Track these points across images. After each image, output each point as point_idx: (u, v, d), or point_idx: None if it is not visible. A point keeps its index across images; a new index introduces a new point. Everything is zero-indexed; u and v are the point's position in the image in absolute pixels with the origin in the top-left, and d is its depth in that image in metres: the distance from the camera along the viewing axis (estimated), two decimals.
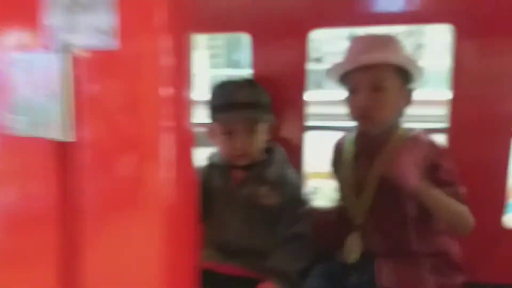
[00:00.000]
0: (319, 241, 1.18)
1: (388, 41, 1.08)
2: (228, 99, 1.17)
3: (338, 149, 1.24)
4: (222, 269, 1.16)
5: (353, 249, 1.11)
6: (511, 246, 1.22)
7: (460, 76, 1.22)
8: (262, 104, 1.20)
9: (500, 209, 1.24)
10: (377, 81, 1.04)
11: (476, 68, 1.22)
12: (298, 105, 1.36)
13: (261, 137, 1.20)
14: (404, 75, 1.07)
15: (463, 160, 1.07)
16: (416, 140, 1.08)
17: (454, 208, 1.00)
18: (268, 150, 1.25)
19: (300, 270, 1.11)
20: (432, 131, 1.25)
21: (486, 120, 1.23)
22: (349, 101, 1.10)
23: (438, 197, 0.99)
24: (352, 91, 1.09)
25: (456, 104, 1.24)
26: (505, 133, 1.21)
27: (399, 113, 1.11)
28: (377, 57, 1.04)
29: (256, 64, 1.38)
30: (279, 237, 1.16)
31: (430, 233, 1.08)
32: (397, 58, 1.06)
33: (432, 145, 1.06)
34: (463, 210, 1.00)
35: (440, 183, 1.01)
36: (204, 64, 8.04)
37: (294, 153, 1.30)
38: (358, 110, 1.07)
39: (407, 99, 1.10)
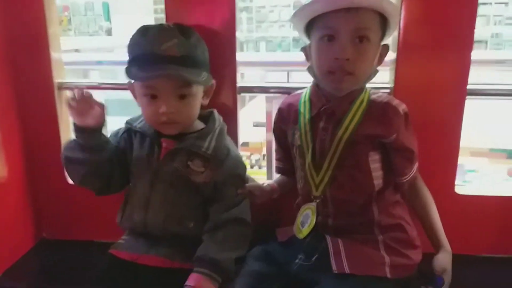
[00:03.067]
0: (261, 221, 1.03)
1: None
2: (150, 49, 0.91)
3: (287, 111, 1.06)
4: (145, 260, 0.96)
5: (306, 222, 0.97)
6: (464, 214, 1.15)
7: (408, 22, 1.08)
8: (197, 60, 0.96)
9: (452, 174, 1.16)
10: (363, 30, 0.86)
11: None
12: (231, 65, 1.16)
13: (194, 102, 0.97)
14: (384, 27, 0.90)
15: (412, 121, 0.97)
16: (380, 104, 0.94)
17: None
18: (204, 118, 1.04)
19: (233, 259, 0.94)
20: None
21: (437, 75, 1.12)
22: (320, 50, 0.90)
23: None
24: (327, 39, 0.88)
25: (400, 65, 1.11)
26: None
27: (372, 73, 0.94)
28: None
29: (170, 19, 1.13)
30: (213, 222, 0.97)
31: (390, 204, 0.98)
32: (389, 4, 0.87)
33: (396, 110, 0.92)
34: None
35: (402, 152, 0.96)
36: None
37: (227, 121, 1.10)
38: (334, 63, 0.87)
39: (380, 58, 0.94)
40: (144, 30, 0.94)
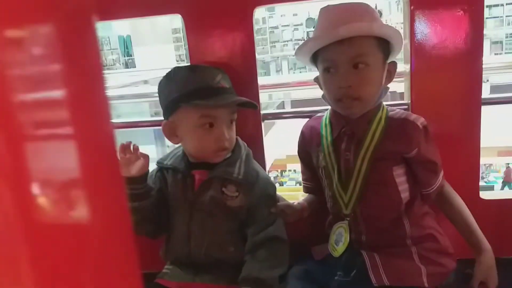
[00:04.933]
0: (295, 239, 1.07)
1: (362, 9, 0.94)
2: (206, 83, 0.99)
3: (309, 134, 1.11)
4: (192, 287, 1.01)
5: (340, 241, 1.01)
6: (489, 218, 1.18)
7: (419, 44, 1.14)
8: (234, 92, 1.05)
9: (475, 181, 1.19)
10: (358, 57, 0.91)
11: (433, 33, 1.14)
12: (253, 91, 1.21)
13: (235, 128, 1.06)
14: (385, 48, 0.95)
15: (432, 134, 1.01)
16: (399, 120, 0.98)
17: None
18: None
19: (277, 277, 0.98)
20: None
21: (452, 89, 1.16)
22: (326, 81, 0.97)
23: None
24: (329, 70, 0.95)
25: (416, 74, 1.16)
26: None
27: (383, 90, 0.99)
28: (358, 27, 0.89)
29: (192, 51, 1.21)
30: (252, 242, 1.02)
31: (419, 216, 1.01)
32: (381, 28, 0.92)
33: (415, 124, 0.96)
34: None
35: (425, 165, 0.99)
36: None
37: (253, 146, 1.15)
38: (338, 92, 0.94)
39: (389, 76, 0.98)
40: (191, 68, 1.05)
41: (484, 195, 1.20)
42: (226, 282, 1.00)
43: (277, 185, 3.08)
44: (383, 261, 0.95)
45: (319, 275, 1.01)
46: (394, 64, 0.98)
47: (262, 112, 1.24)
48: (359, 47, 0.90)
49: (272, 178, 1.18)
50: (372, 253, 0.97)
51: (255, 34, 1.21)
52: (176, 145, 1.11)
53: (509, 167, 4.47)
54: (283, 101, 4.51)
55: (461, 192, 1.09)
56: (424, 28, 1.12)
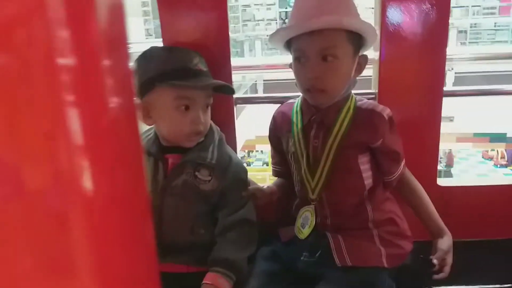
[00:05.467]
0: (264, 222, 1.11)
1: (340, 1, 0.95)
2: (184, 64, 0.98)
3: (280, 120, 1.14)
4: (162, 268, 1.02)
5: (306, 224, 1.05)
6: (446, 203, 1.26)
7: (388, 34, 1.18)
8: (211, 76, 1.05)
9: (433, 168, 1.27)
10: (327, 49, 0.93)
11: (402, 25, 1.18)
12: (226, 73, 1.21)
13: (209, 112, 1.06)
14: (357, 41, 0.97)
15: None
16: (366, 111, 1.02)
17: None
18: None
19: (245, 258, 1.02)
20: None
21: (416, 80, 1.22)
22: (296, 70, 0.99)
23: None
24: (299, 60, 0.97)
25: (383, 65, 1.20)
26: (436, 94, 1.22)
27: (352, 82, 1.02)
28: (328, 21, 0.91)
29: (164, 28, 1.19)
30: (222, 225, 1.05)
31: (381, 201, 1.07)
32: (351, 22, 0.93)
33: (381, 115, 1.00)
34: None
35: (388, 154, 1.04)
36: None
37: (225, 130, 1.17)
38: (307, 82, 0.97)
39: (359, 68, 1.01)
40: (168, 49, 1.06)
41: (440, 181, 1.28)
42: (197, 263, 1.03)
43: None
44: (346, 243, 1.01)
45: (285, 256, 1.06)
46: (364, 57, 1.01)
47: (235, 96, 1.26)
48: (328, 39, 0.92)
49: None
50: (337, 235, 1.03)
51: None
52: (148, 127, 1.11)
53: (450, 152, 4.83)
54: (255, 82, 4.52)
55: (420, 178, 1.15)
56: (394, 18, 1.16)
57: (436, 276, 1.02)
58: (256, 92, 4.84)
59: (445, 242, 1.05)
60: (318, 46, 0.93)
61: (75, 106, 0.27)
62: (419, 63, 1.21)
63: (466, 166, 5.70)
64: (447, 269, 1.02)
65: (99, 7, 0.29)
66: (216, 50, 1.19)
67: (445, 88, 1.22)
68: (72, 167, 0.28)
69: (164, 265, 1.03)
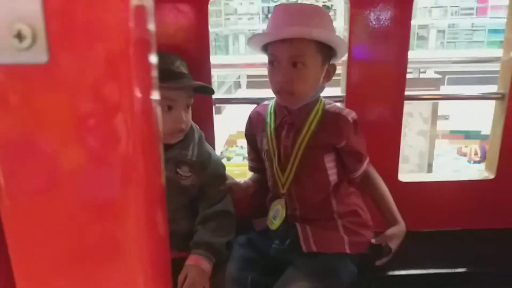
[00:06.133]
0: (240, 213, 1.21)
1: (313, 13, 1.02)
2: (167, 67, 1.07)
3: (256, 120, 1.23)
4: None
5: (277, 216, 1.15)
6: (406, 197, 1.38)
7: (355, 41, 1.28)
8: (192, 78, 1.14)
9: (395, 165, 1.39)
10: (296, 57, 1.01)
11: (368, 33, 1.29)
12: (204, 74, 1.29)
13: (190, 112, 1.15)
14: (326, 51, 1.04)
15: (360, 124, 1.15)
16: (333, 114, 1.11)
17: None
18: None
19: (224, 243, 1.12)
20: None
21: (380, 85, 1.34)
22: (269, 73, 1.08)
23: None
24: (272, 64, 1.06)
25: (351, 71, 1.31)
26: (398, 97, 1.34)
27: (320, 88, 1.11)
28: (298, 31, 0.99)
29: None
30: (202, 216, 1.15)
31: (345, 195, 1.17)
32: (320, 34, 1.01)
33: (346, 119, 1.09)
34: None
35: (351, 154, 1.13)
36: None
37: (204, 128, 1.26)
38: (277, 85, 1.06)
39: (328, 76, 1.09)
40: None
41: (402, 177, 1.40)
42: (178, 250, 1.11)
43: (224, 160, 3.23)
44: (313, 232, 1.12)
45: (259, 244, 1.16)
46: (333, 66, 1.10)
47: (214, 97, 1.35)
48: (298, 48, 1.01)
49: (219, 153, 1.28)
50: (305, 225, 1.13)
51: (209, 5, 1.28)
52: None
53: None
54: (239, 79, 4.58)
55: (383, 174, 1.25)
56: (361, 26, 1.27)
57: (377, 262, 1.14)
58: (240, 87, 4.93)
59: (393, 230, 1.16)
60: (289, 53, 1.02)
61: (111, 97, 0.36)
62: (383, 69, 1.32)
63: (442, 162, 5.93)
64: (387, 255, 1.14)
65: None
66: (196, 50, 1.27)
67: (406, 93, 1.33)
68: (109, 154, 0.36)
69: None
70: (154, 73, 0.41)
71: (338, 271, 1.08)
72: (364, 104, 1.31)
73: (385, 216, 1.19)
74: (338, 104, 1.21)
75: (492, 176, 1.42)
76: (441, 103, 2.66)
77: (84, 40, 0.34)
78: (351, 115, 1.11)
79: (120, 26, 0.33)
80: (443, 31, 8.17)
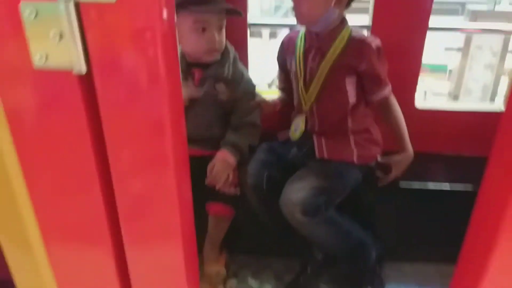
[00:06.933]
0: (266, 126, 1.40)
1: None
2: None
3: (287, 44, 1.36)
4: None
5: (297, 129, 1.33)
6: (420, 123, 1.50)
7: None
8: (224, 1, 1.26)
9: (412, 92, 1.50)
10: None
11: None
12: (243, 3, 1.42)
13: (224, 33, 1.29)
14: None
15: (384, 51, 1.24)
16: (357, 40, 1.20)
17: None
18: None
19: (247, 145, 1.32)
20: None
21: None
22: None
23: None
24: None
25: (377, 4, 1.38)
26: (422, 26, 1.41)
27: (333, 12, 1.18)
28: None
29: None
30: (233, 124, 1.35)
31: (361, 116, 1.30)
32: None
33: (369, 45, 1.18)
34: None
35: (371, 79, 1.23)
36: None
37: (239, 50, 1.40)
38: (293, 7, 1.19)
39: (339, 1, 1.17)
40: None
41: (418, 104, 1.51)
42: (212, 149, 1.34)
43: None
44: (327, 143, 1.29)
45: (279, 150, 1.36)
46: None
47: (249, 22, 1.49)
48: None
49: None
50: (321, 137, 1.30)
51: None
52: None
53: None
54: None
55: (401, 99, 1.32)
56: None
57: (380, 176, 1.30)
58: None
59: (400, 157, 1.28)
60: None
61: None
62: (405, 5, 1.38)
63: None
64: (390, 177, 1.29)
65: None
66: None
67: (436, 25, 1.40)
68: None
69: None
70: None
71: (344, 175, 1.26)
72: (388, 33, 1.40)
73: (398, 142, 1.30)
74: (365, 32, 1.31)
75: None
76: None
77: None
78: (376, 42, 1.20)
79: None
80: None
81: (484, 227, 0.64)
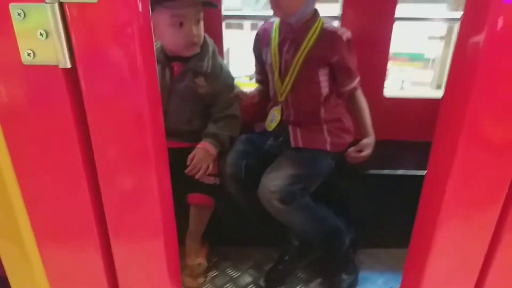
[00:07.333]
0: (245, 117, 1.44)
1: None
2: None
3: (262, 35, 1.40)
4: (167, 144, 1.38)
5: (274, 119, 1.38)
6: (388, 111, 1.59)
7: None
8: None
9: (382, 81, 1.57)
10: None
11: None
12: None
13: (202, 26, 1.32)
14: None
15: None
16: (329, 32, 1.26)
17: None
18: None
19: (228, 136, 1.36)
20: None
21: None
22: None
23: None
24: None
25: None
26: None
27: (307, 6, 1.23)
28: None
29: None
30: (214, 117, 1.38)
31: (333, 106, 1.37)
32: None
33: (340, 37, 1.24)
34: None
35: (343, 70, 1.30)
36: None
37: (214, 43, 1.41)
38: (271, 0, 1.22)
39: None
40: None
41: (386, 93, 1.59)
42: (192, 142, 1.37)
43: None
44: (302, 132, 1.35)
45: (257, 141, 1.41)
46: None
47: (223, 13, 1.53)
48: None
49: None
50: (296, 127, 1.36)
51: None
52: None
53: None
54: None
55: (369, 89, 1.41)
56: None
57: (351, 163, 1.35)
58: None
59: (365, 141, 1.34)
60: None
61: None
62: None
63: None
64: (362, 155, 1.33)
65: None
66: None
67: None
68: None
69: (168, 143, 1.38)
70: None
71: (318, 162, 1.33)
72: (358, 23, 1.46)
73: (360, 129, 1.37)
74: (336, 23, 1.36)
75: None
76: None
77: None
78: (346, 34, 1.26)
79: None
80: None
81: (430, 209, 0.70)
